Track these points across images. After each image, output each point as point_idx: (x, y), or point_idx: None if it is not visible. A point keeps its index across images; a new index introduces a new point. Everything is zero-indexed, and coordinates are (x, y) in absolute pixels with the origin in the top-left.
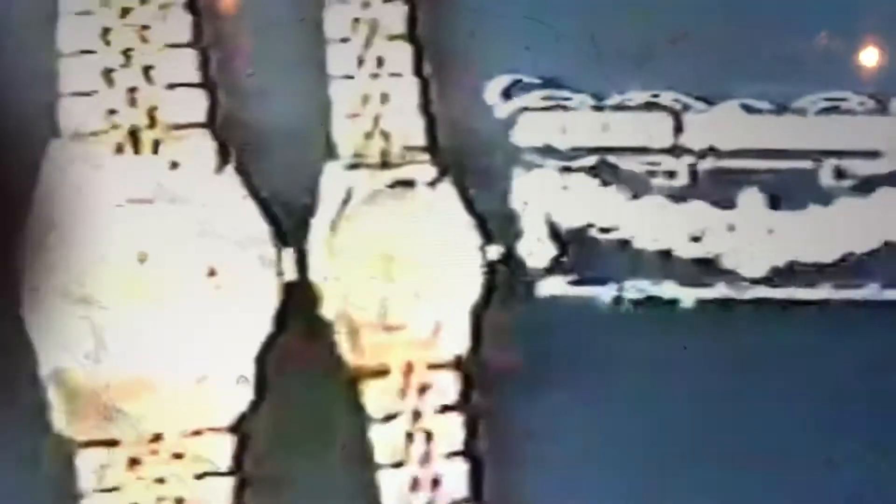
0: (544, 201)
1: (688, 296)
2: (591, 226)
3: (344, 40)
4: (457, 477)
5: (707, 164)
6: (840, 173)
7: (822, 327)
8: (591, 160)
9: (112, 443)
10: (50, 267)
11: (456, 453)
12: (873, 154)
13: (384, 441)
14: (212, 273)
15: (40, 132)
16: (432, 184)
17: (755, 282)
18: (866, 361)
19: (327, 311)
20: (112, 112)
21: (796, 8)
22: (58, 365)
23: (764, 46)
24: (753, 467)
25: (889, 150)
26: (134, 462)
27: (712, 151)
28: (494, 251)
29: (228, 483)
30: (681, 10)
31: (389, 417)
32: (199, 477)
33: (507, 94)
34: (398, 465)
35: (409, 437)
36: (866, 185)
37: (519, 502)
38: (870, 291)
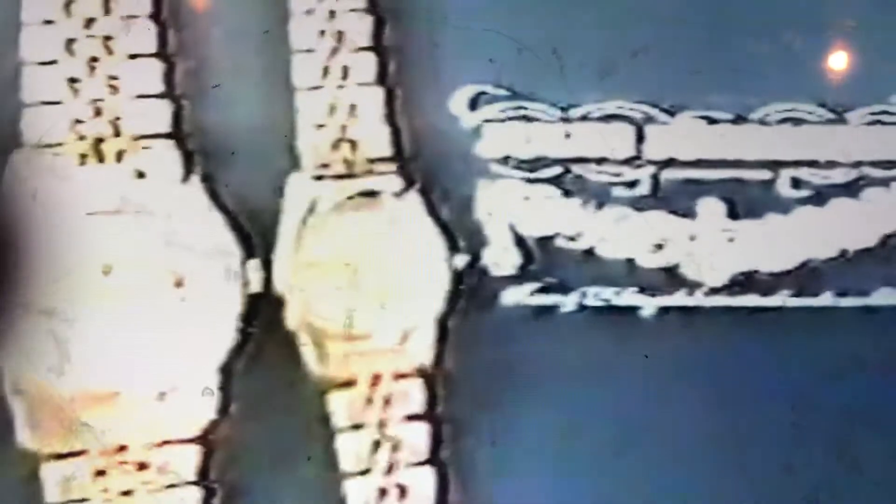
0: (509, 211)
1: (649, 304)
2: (554, 235)
3: (309, 51)
4: (423, 485)
5: (668, 173)
6: (797, 183)
7: (780, 334)
8: (554, 171)
9: (77, 454)
10: (13, 279)
11: (422, 462)
12: (830, 164)
13: (351, 450)
14: (177, 284)
15: (2, 142)
16: (398, 194)
17: (715, 290)
18: (823, 368)
19: (292, 321)
20: (77, 122)
21: (755, 21)
22: (21, 378)
23: (723, 59)
24: (713, 472)
25: (845, 161)
26: (99, 473)
27: (673, 161)
28: (460, 260)
29: (195, 493)
30: (642, 23)
31: (356, 427)
32: (165, 488)
33: (471, 105)
34: (365, 473)
35: (376, 446)
36: (823, 195)
37: None
38: (826, 299)
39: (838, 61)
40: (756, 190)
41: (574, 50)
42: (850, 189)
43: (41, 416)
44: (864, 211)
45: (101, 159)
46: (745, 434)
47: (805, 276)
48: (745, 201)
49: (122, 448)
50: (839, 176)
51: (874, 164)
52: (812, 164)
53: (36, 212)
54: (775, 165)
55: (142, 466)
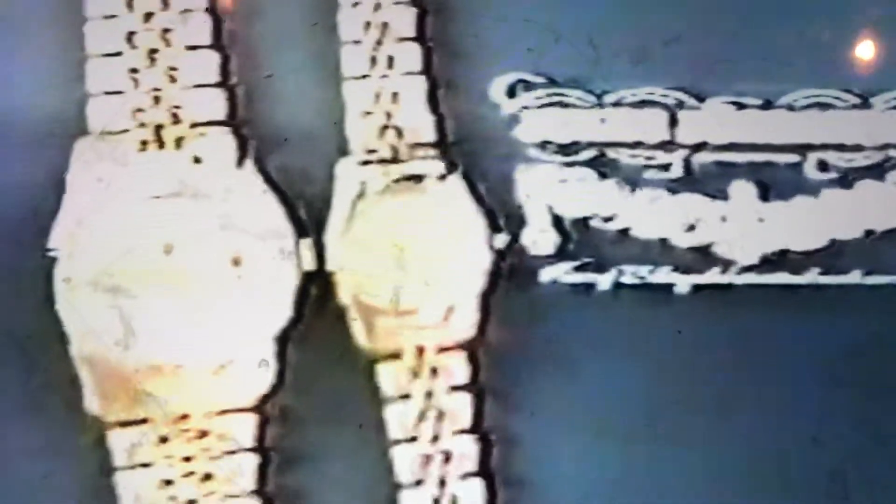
0: (547, 193)
1: (683, 282)
2: (591, 216)
3: (356, 42)
4: (466, 452)
5: (700, 157)
6: (824, 166)
7: (809, 311)
8: (590, 154)
9: (142, 422)
10: (81, 258)
11: (465, 430)
12: (856, 147)
13: (398, 419)
14: (234, 263)
15: (70, 130)
16: (441, 177)
17: (746, 268)
18: (850, 344)
19: (343, 298)
20: (138, 111)
21: (782, 10)
22: (89, 351)
23: (752, 46)
24: (742, 445)
25: (870, 144)
26: (163, 440)
27: (705, 145)
28: (500, 240)
29: (252, 460)
30: (673, 13)
31: (403, 397)
32: (224, 454)
33: (510, 92)
34: (411, 441)
35: (422, 415)
36: (849, 177)
37: (522, 475)
38: (853, 277)
39: (863, 48)
40: (785, 173)
41: (608, 39)
42: (876, 171)
43: (108, 387)
44: (890, 192)
45: (161, 146)
46: (773, 408)
47: (833, 255)
48: (775, 183)
49: (184, 417)
50: (865, 159)
51: None
52: (838, 147)
53: (101, 195)
54: (803, 149)
55: (202, 434)
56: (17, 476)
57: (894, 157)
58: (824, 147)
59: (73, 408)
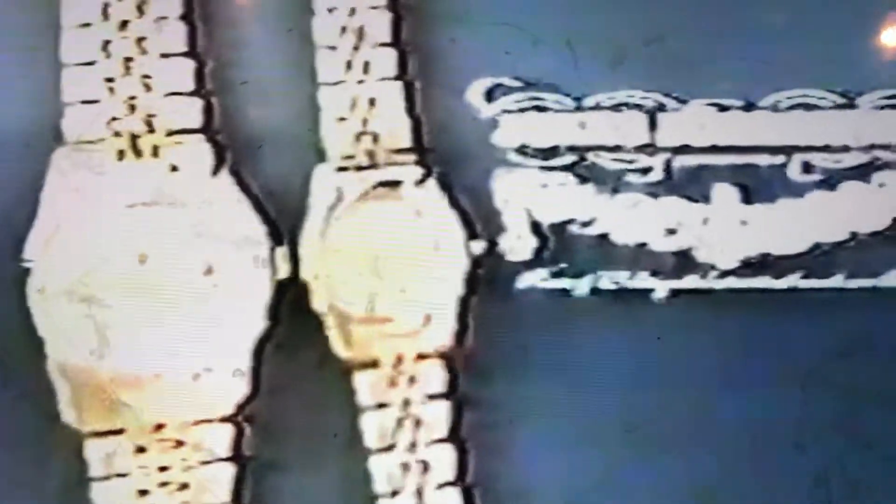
0: (525, 198)
1: (662, 287)
2: (570, 221)
3: (332, 48)
4: (444, 461)
5: (681, 160)
6: (808, 167)
7: (792, 316)
8: (569, 159)
9: (117, 432)
10: (55, 268)
11: (443, 439)
12: (841, 148)
13: (375, 428)
14: (209, 272)
15: (45, 140)
16: (418, 183)
17: (727, 273)
18: (833, 348)
19: (318, 306)
20: (113, 120)
21: (763, 9)
22: (64, 361)
23: (733, 47)
24: (724, 450)
25: (856, 145)
26: (139, 450)
27: (686, 148)
28: (478, 246)
29: (228, 469)
30: (653, 14)
31: (380, 406)
32: (200, 464)
33: (488, 96)
34: (388, 450)
35: (399, 423)
36: (834, 179)
37: (501, 485)
38: (837, 281)
39: (848, 46)
40: (768, 175)
41: (587, 41)
42: (861, 173)
43: (83, 397)
44: (875, 194)
45: (138, 154)
46: (755, 413)
47: (816, 259)
48: (758, 186)
49: (160, 426)
50: (850, 160)
51: (885, 147)
52: (823, 148)
53: (77, 205)
54: (787, 150)
55: (178, 444)
56: None
57: (880, 158)
58: (809, 148)
59: (48, 418)
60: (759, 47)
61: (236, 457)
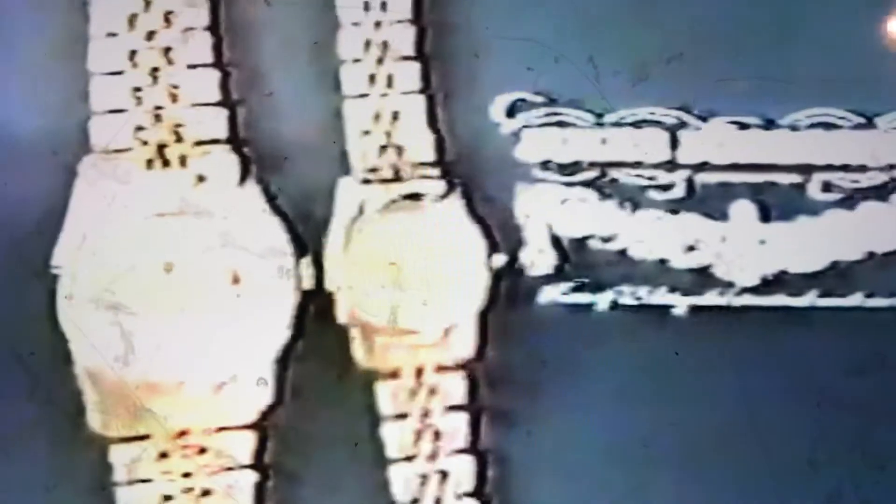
0: (546, 213)
1: (681, 303)
2: (590, 236)
3: (356, 60)
4: (463, 472)
5: (701, 177)
6: (828, 186)
7: (809, 334)
8: (590, 174)
9: (142, 438)
10: (83, 276)
11: (462, 450)
12: (860, 168)
13: (395, 438)
14: (234, 281)
15: (73, 149)
16: (440, 197)
17: (746, 290)
18: (849, 366)
19: (341, 316)
20: (140, 129)
21: (784, 28)
22: (91, 367)
23: (755, 65)
24: (739, 467)
25: (875, 164)
26: (163, 456)
27: (706, 165)
28: (499, 260)
29: (250, 477)
30: (674, 31)
31: (400, 416)
32: (223, 470)
33: (510, 111)
34: (408, 460)
35: (419, 434)
36: (853, 198)
37: (519, 496)
38: (854, 300)
39: (867, 66)
40: (787, 193)
41: (609, 58)
42: (880, 192)
43: (109, 403)
44: (893, 214)
45: (165, 164)
46: (770, 430)
47: (834, 277)
48: (777, 204)
49: (184, 433)
50: (869, 179)
51: None
52: (842, 168)
53: (104, 213)
54: (806, 169)
55: (201, 451)
56: (19, 491)
57: None
58: (828, 168)
59: (74, 423)
60: (779, 66)
61: (259, 464)
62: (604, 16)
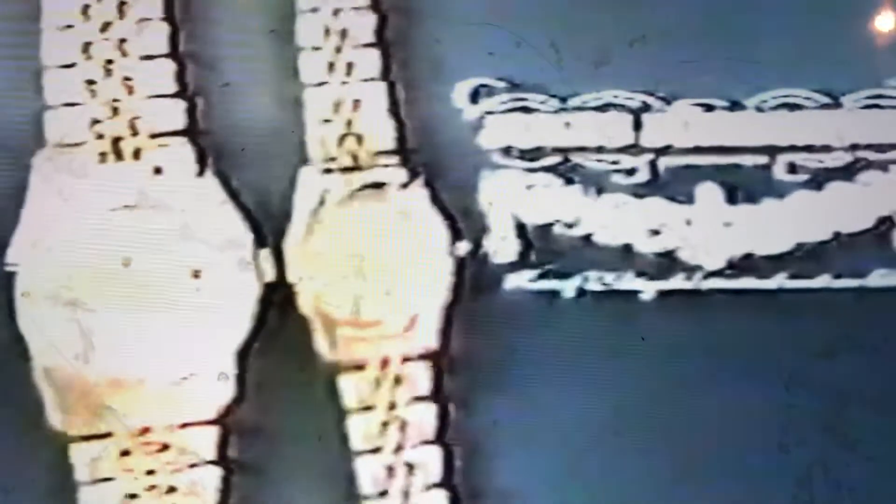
0: (510, 200)
1: (648, 288)
2: (555, 222)
3: (315, 49)
4: (430, 463)
5: (666, 160)
6: (793, 168)
7: (776, 316)
8: (554, 160)
9: (103, 436)
10: (40, 272)
11: (428, 441)
12: (826, 148)
13: (361, 430)
14: (194, 275)
15: (27, 143)
16: (403, 185)
17: (712, 273)
18: (818, 348)
19: (304, 309)
20: (95, 122)
21: (748, 9)
22: (50, 365)
23: (717, 46)
24: (708, 451)
25: (841, 145)
26: (124, 454)
27: (671, 148)
28: (463, 248)
29: (214, 473)
30: (637, 14)
31: (366, 408)
32: (186, 467)
33: (473, 97)
34: (374, 452)
35: (385, 426)
36: (819, 179)
37: (487, 487)
38: (822, 281)
39: (832, 46)
40: (753, 175)
41: (571, 42)
42: (847, 173)
43: (69, 401)
44: (861, 194)
45: (119, 157)
46: (739, 413)
47: (801, 259)
48: (743, 186)
49: (145, 430)
50: (835, 160)
51: (870, 147)
52: (808, 148)
53: (60, 208)
54: (772, 151)
55: (164, 447)
56: None
57: (865, 158)
58: (793, 149)
59: (34, 423)
60: (743, 47)
61: (222, 460)
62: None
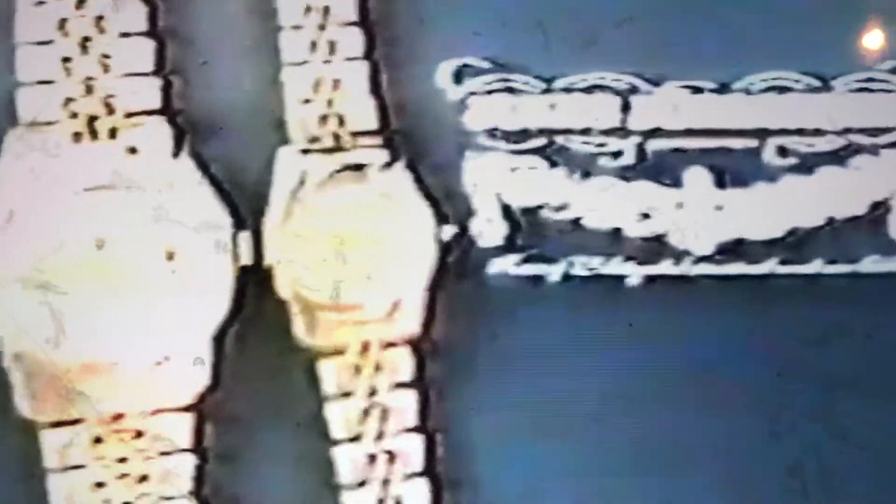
0: (495, 182)
1: (636, 272)
2: (541, 205)
3: (296, 27)
4: (411, 451)
5: (654, 143)
6: (783, 151)
7: (767, 302)
8: (540, 142)
9: (74, 422)
10: (9, 254)
11: (410, 429)
12: (816, 132)
13: (340, 417)
14: (169, 257)
15: None
16: (385, 167)
17: (702, 258)
18: (809, 335)
19: (282, 292)
20: (70, 100)
21: None
22: (19, 349)
23: (708, 28)
24: (698, 439)
25: (831, 128)
26: (96, 441)
27: (658, 131)
28: (447, 232)
29: (189, 460)
30: None
31: (345, 395)
32: (160, 454)
33: (457, 78)
34: (354, 440)
35: (365, 413)
36: (810, 163)
37: (469, 474)
38: (814, 267)
39: (822, 29)
40: (743, 159)
41: (557, 22)
42: (838, 157)
43: (39, 387)
44: (852, 178)
45: (94, 136)
46: (730, 401)
47: (793, 244)
48: (732, 170)
49: (118, 416)
50: (826, 144)
51: (861, 131)
52: (798, 132)
53: (32, 188)
54: (761, 134)
55: (137, 434)
56: None
57: (856, 142)
58: (783, 132)
59: (2, 408)
60: (732, 29)
61: (197, 448)
62: None
